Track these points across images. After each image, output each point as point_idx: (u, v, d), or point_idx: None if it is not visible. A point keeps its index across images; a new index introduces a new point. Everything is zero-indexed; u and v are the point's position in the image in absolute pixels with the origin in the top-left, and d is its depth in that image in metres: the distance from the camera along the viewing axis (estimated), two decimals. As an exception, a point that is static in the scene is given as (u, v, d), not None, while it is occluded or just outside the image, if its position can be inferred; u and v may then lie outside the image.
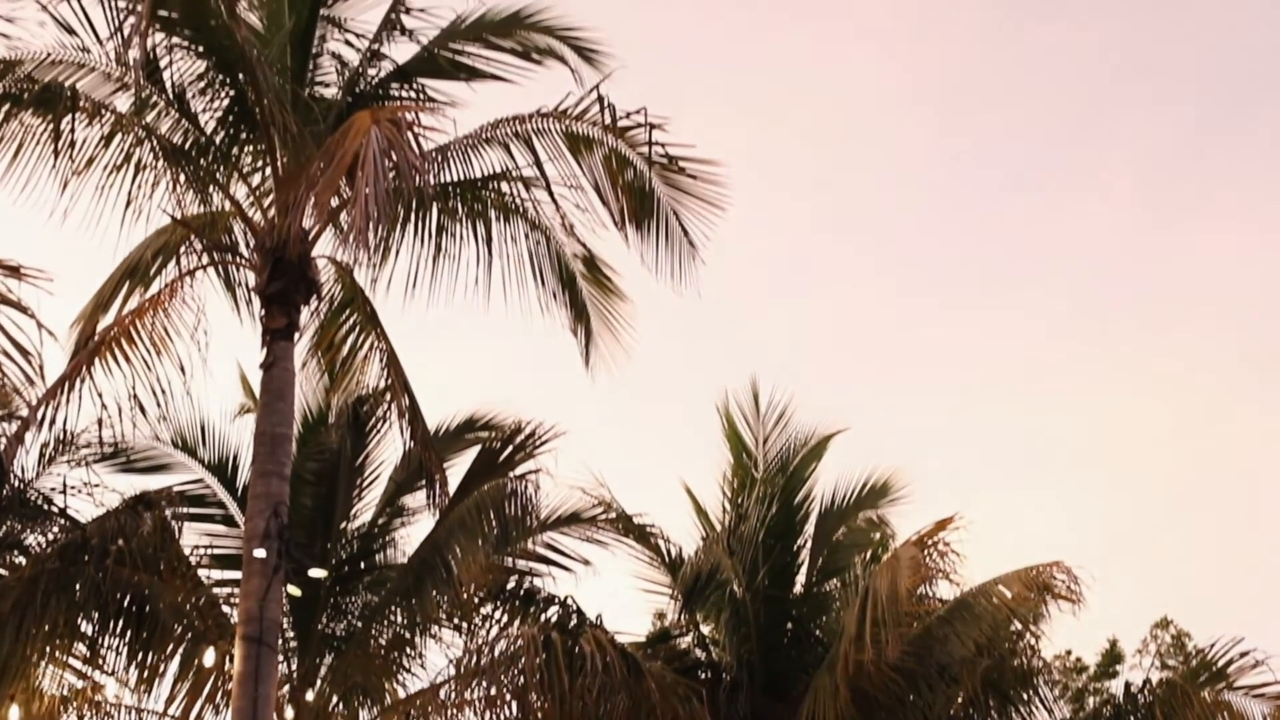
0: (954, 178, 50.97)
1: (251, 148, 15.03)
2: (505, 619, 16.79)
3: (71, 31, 14.13)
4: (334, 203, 13.54)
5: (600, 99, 14.32)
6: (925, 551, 15.28)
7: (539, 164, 14.77)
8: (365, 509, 17.98)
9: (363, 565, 17.92)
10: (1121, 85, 45.67)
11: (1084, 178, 48.60)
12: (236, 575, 14.75)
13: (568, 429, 17.39)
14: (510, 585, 16.99)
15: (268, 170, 14.72)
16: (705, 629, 17.91)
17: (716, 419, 18.41)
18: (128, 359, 13.19)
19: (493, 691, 14.64)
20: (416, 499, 17.74)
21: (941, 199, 48.99)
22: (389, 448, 17.98)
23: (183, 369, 13.37)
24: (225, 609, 16.13)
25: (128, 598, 14.82)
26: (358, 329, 15.66)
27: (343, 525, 17.72)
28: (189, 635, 15.59)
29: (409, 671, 17.25)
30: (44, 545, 15.06)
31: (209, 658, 15.47)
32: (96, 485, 15.21)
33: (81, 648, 15.27)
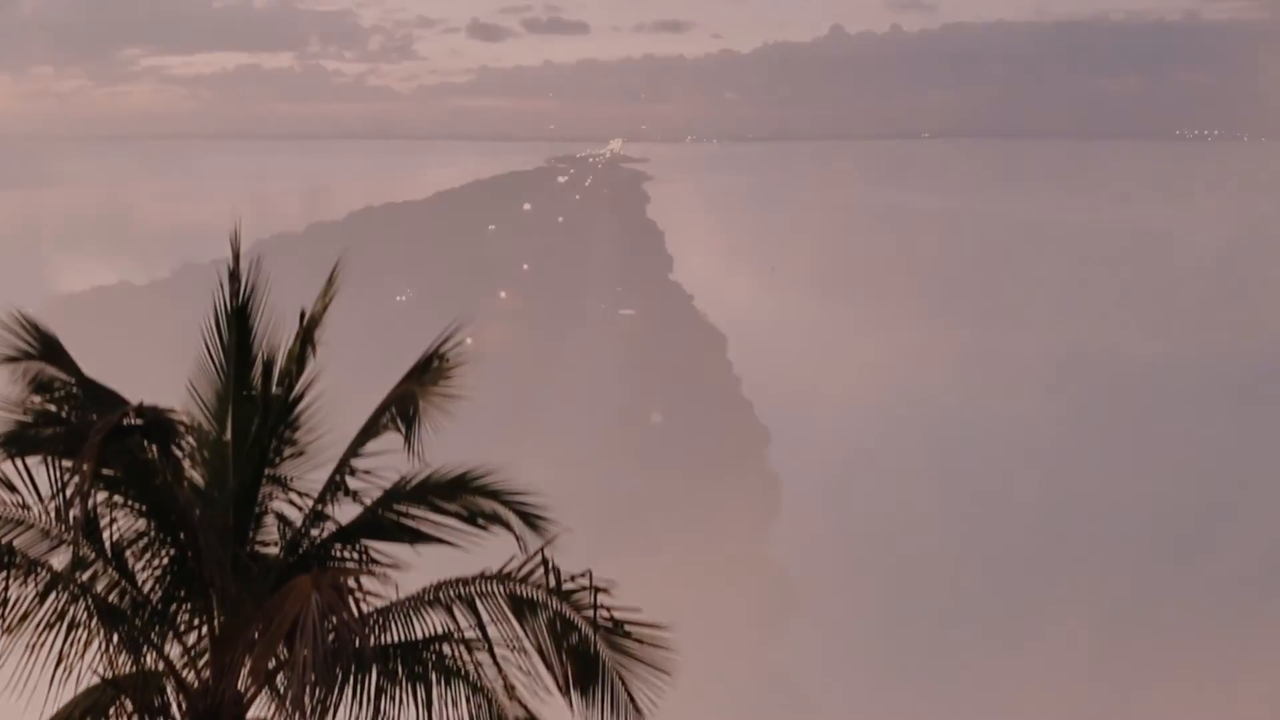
0: (905, 618, 52.74)
1: (189, 604, 14.79)
2: None
3: (13, 489, 14.10)
4: (270, 663, 13.27)
5: (545, 562, 14.31)
6: None
7: (482, 626, 14.57)
8: None
9: None
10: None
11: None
12: None
13: None
14: None
15: (204, 629, 14.46)
16: None
17: None
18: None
19: None
20: None
21: (891, 637, 50.63)
22: None
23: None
24: None
25: None
26: (289, 791, 15.08)
27: None
28: None
29: None
30: None
31: None
32: None
33: None
